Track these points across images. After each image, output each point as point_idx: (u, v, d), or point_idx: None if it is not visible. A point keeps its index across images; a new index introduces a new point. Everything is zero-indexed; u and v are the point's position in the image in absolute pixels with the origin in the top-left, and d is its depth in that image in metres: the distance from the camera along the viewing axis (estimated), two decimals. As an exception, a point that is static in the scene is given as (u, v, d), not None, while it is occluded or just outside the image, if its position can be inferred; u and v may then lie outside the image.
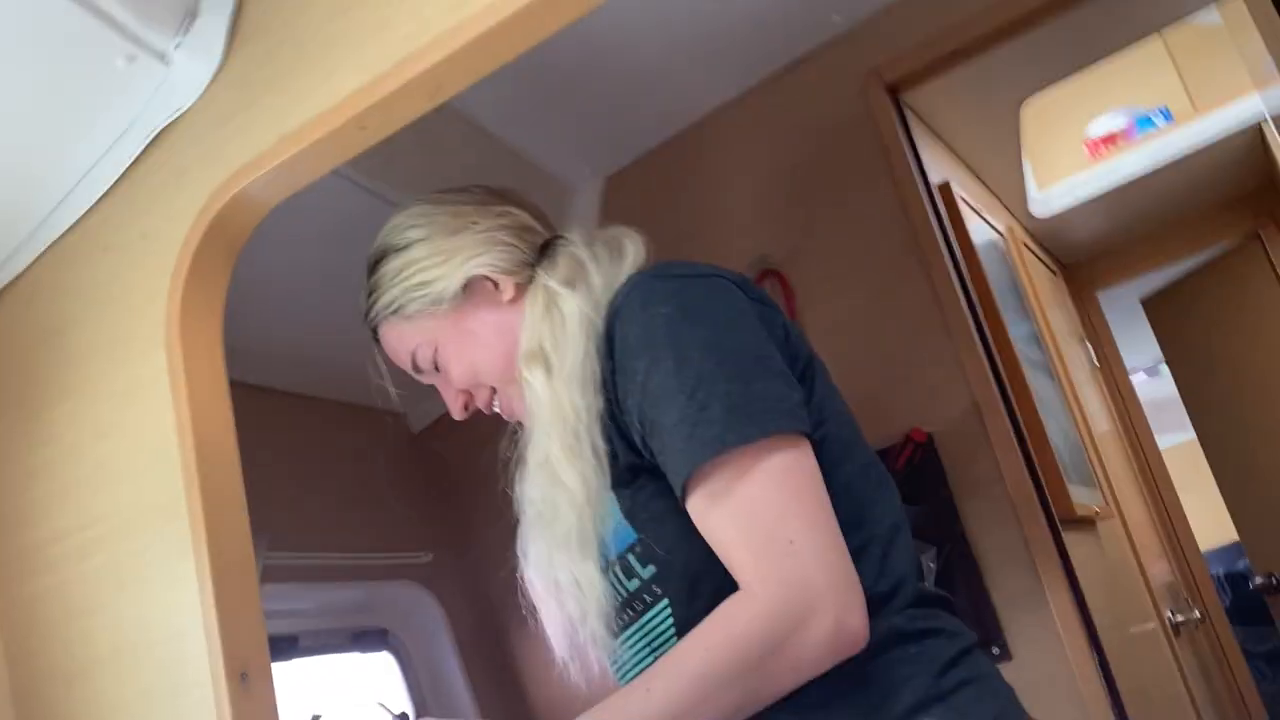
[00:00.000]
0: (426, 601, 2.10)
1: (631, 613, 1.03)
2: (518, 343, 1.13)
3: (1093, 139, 3.04)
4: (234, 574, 1.19)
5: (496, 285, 1.17)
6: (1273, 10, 1.02)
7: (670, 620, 1.00)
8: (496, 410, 1.21)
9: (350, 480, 2.05)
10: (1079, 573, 1.73)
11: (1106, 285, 3.62)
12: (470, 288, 1.16)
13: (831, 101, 1.96)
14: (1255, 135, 2.84)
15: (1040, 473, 1.80)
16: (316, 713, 1.81)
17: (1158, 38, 2.91)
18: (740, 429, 0.91)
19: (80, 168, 1.30)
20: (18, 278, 1.37)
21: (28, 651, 1.29)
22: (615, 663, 1.07)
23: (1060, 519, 1.77)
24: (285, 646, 1.78)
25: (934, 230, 1.83)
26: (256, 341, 1.72)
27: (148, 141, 1.26)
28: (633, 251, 1.14)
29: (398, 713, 2.03)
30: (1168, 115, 2.95)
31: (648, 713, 0.90)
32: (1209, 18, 2.62)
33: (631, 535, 1.01)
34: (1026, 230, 3.05)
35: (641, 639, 1.03)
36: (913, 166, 1.87)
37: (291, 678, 1.81)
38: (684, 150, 2.12)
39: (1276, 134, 2.60)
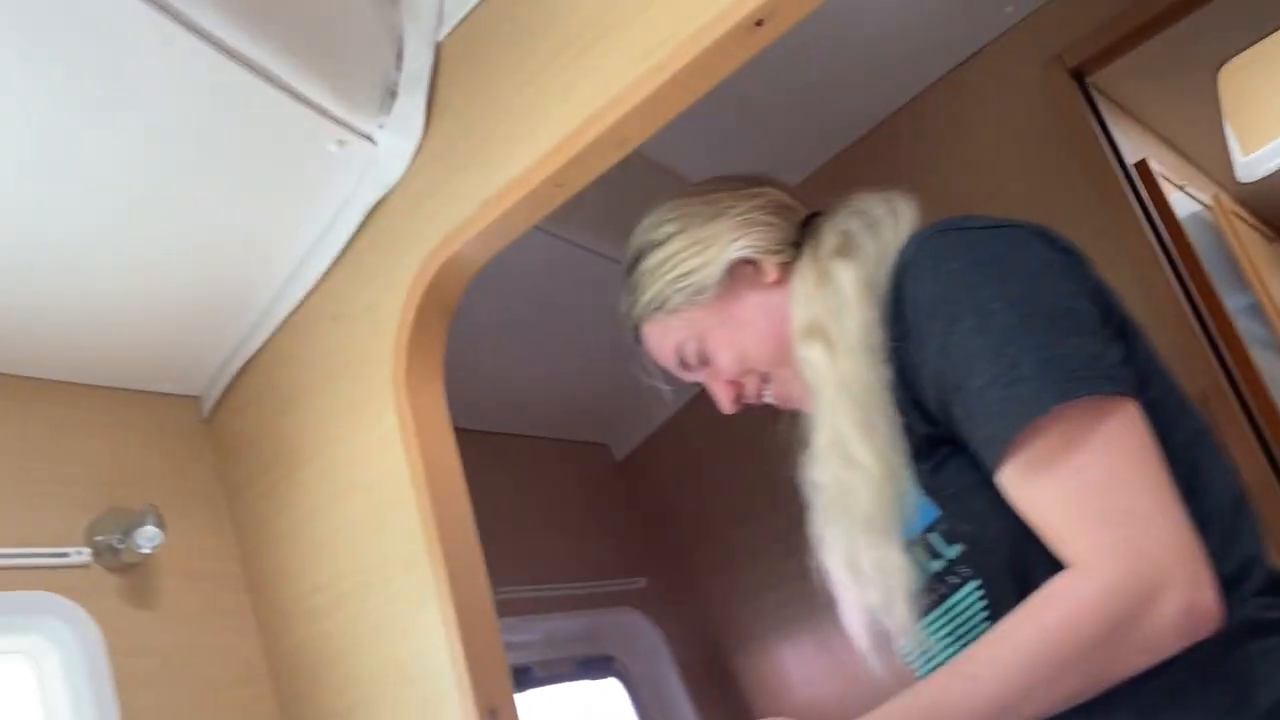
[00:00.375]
0: (645, 625, 2.15)
1: (935, 596, 0.95)
2: (787, 324, 1.08)
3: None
4: (476, 614, 1.26)
5: (758, 268, 1.12)
6: None
7: (982, 602, 0.92)
8: (768, 400, 1.16)
9: (563, 513, 2.13)
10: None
11: (1331, 246, 3.36)
12: (733, 273, 1.11)
13: (1014, 93, 1.90)
14: None
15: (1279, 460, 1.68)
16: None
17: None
18: (1059, 388, 0.82)
19: (305, 245, 1.42)
20: (257, 353, 1.49)
21: (297, 694, 1.40)
22: (919, 651, 1.00)
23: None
24: (520, 678, 1.86)
25: (1134, 211, 1.76)
26: (468, 389, 1.81)
27: (363, 216, 1.36)
28: (908, 212, 1.07)
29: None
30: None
31: (975, 702, 0.81)
32: None
33: (933, 512, 0.93)
34: (1235, 199, 2.86)
35: (946, 624, 0.95)
36: (1105, 148, 1.80)
37: (528, 708, 1.89)
38: (863, 159, 2.10)
39: None
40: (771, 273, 1.11)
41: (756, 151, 2.02)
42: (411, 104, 1.31)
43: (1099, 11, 1.81)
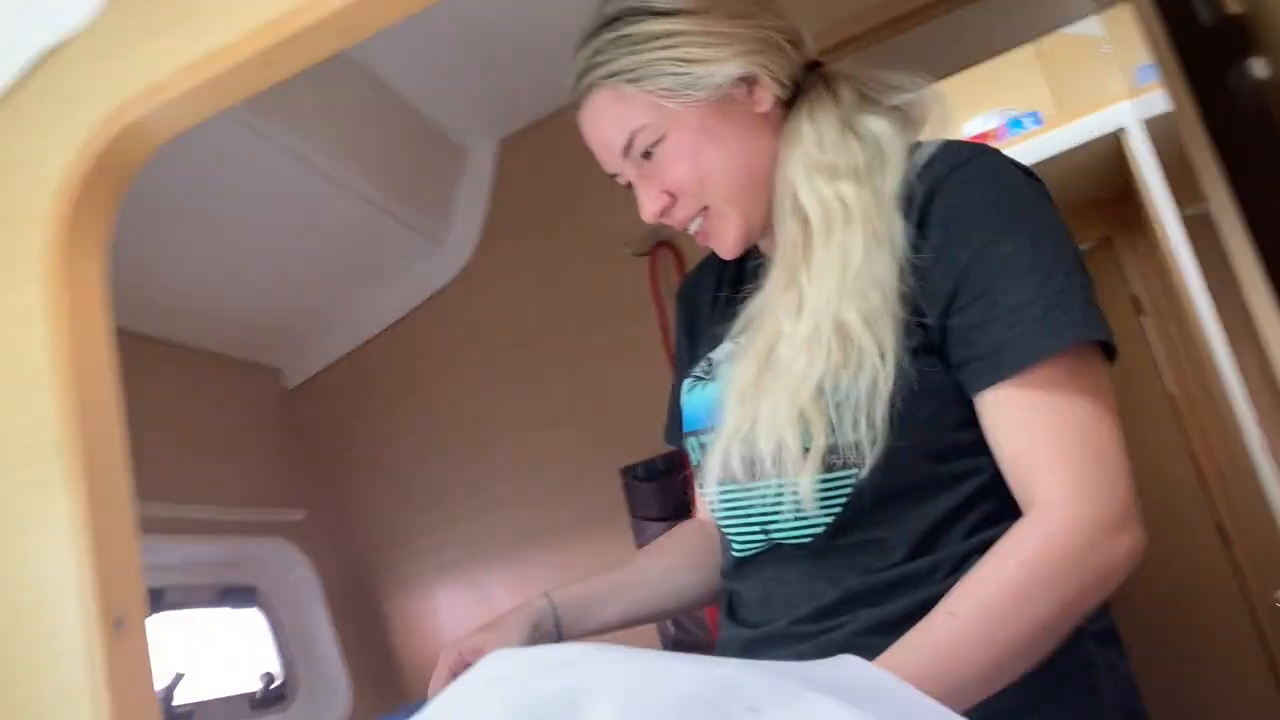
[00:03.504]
0: (296, 558, 2.06)
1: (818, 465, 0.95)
2: (764, 160, 1.05)
3: (966, 138, 3.17)
4: (113, 517, 1.15)
5: (755, 92, 1.06)
6: (1157, 22, 1.08)
7: (854, 485, 0.95)
8: (692, 229, 1.11)
9: (222, 434, 2.00)
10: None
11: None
12: (734, 84, 1.04)
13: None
14: (1114, 144, 3.01)
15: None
16: (180, 670, 1.77)
17: (1033, 45, 3.04)
18: (1095, 326, 0.90)
19: (-46, 85, 1.23)
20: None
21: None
22: (775, 496, 0.99)
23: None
24: (151, 599, 1.72)
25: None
26: (132, 286, 1.65)
27: (34, 60, 1.20)
28: (925, 97, 1.06)
29: (265, 672, 2.00)
30: (1038, 120, 3.10)
31: (952, 634, 0.83)
32: (1082, 28, 2.75)
33: None
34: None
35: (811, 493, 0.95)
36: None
37: (157, 632, 1.75)
38: (581, 118, 2.12)
39: (1135, 142, 2.76)
40: (765, 102, 1.06)
41: (484, 80, 1.98)
42: (110, -57, 1.17)
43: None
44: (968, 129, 3.19)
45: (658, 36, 1.02)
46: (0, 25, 1.19)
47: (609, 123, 1.07)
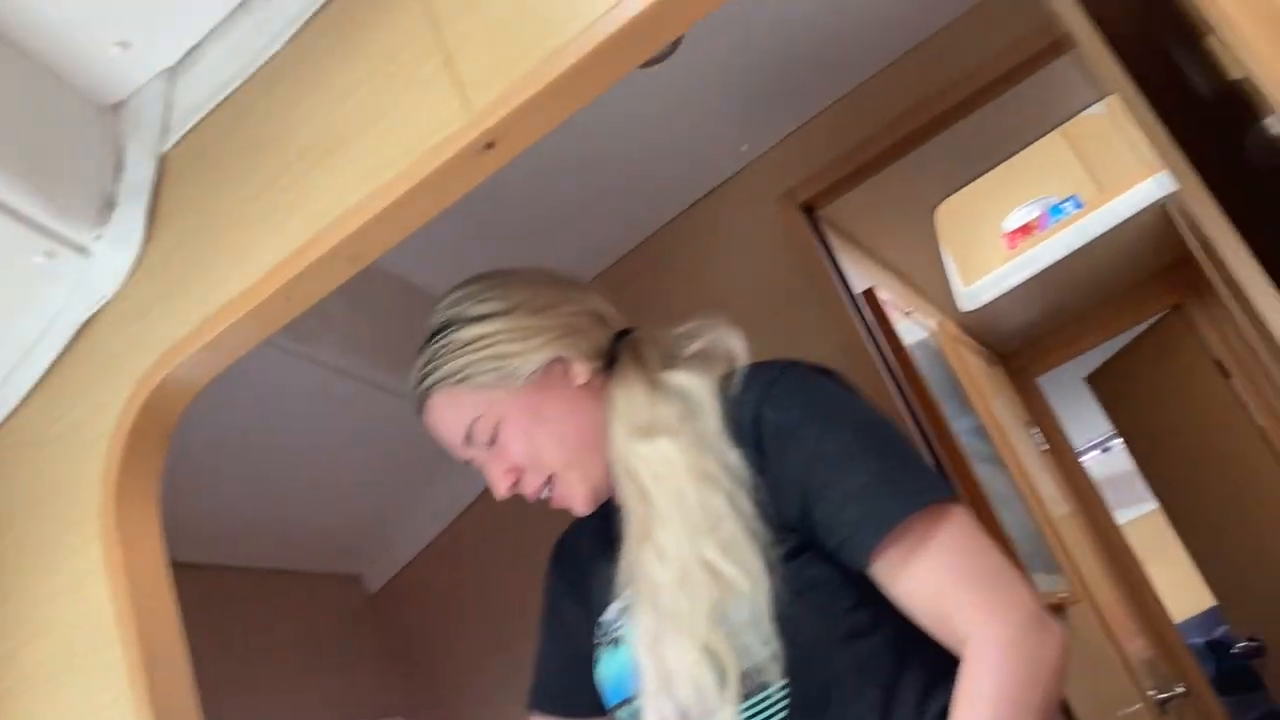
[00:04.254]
0: (399, 769, 2.03)
1: (746, 689, 1.00)
2: (592, 429, 1.14)
3: (1009, 231, 3.15)
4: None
5: (569, 369, 1.17)
6: (1146, 110, 1.07)
7: (785, 700, 0.99)
8: (544, 496, 1.18)
9: (308, 652, 2.00)
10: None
11: (1046, 369, 3.70)
12: (547, 368, 1.16)
13: (752, 224, 2.02)
14: (1162, 213, 2.96)
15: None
16: None
17: (1059, 131, 3.05)
18: (937, 488, 0.99)
19: (5, 365, 1.30)
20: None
21: None
22: None
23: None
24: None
25: (863, 337, 1.87)
26: (193, 519, 1.70)
27: (73, 334, 1.27)
28: (733, 339, 1.15)
29: None
30: (1078, 203, 3.07)
31: None
32: (1101, 108, 2.76)
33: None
34: (959, 325, 3.12)
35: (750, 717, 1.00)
36: (834, 278, 1.92)
37: None
38: (612, 284, 2.16)
39: (1178, 213, 2.71)
40: (581, 376, 1.17)
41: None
42: (131, 215, 1.25)
43: (825, 151, 1.96)
44: (1008, 223, 3.18)
45: (474, 340, 1.16)
46: (38, 305, 1.26)
47: (448, 418, 1.18)
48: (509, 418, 1.15)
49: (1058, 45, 1.73)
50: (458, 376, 1.15)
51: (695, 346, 1.16)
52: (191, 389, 1.25)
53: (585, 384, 1.17)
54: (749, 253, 2.02)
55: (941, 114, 1.87)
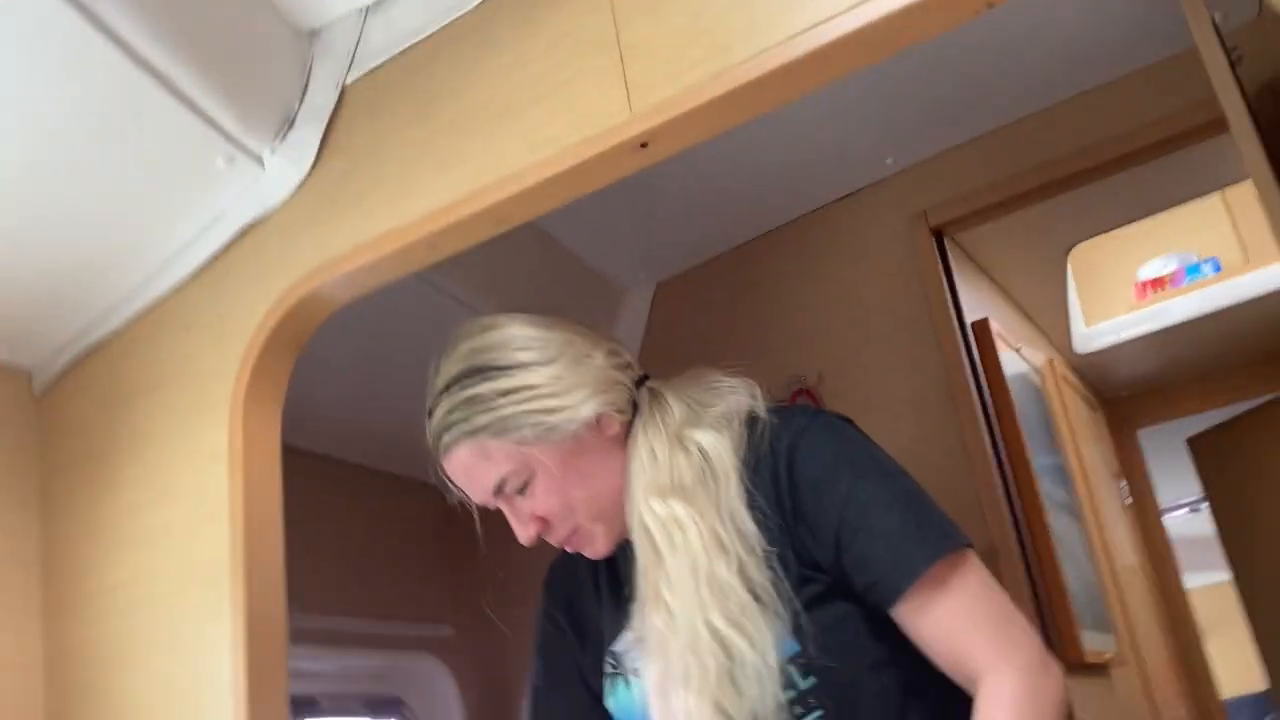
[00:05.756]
0: (443, 675, 2.16)
1: None
2: (618, 481, 1.15)
3: (1141, 281, 3.09)
4: (266, 643, 1.27)
5: (603, 423, 1.15)
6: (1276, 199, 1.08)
7: None
8: (565, 542, 1.18)
9: (384, 550, 2.13)
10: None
11: (1149, 423, 3.63)
12: (587, 423, 1.13)
13: (880, 237, 2.04)
14: (1299, 296, 2.88)
15: (1052, 618, 1.83)
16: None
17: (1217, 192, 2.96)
18: (958, 536, 1.05)
19: (172, 249, 1.42)
20: (104, 341, 1.48)
21: (66, 691, 1.38)
22: None
23: (1069, 665, 1.79)
24: (304, 708, 1.85)
25: (965, 369, 1.89)
26: (314, 409, 1.82)
27: (236, 234, 1.38)
28: (751, 391, 1.18)
29: (403, 783, 2.09)
30: (1217, 266, 2.99)
31: None
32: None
33: (794, 646, 1.05)
34: (1070, 366, 3.08)
35: None
36: (950, 307, 1.94)
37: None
38: (735, 266, 2.21)
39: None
40: (612, 428, 1.16)
41: (642, 230, 2.10)
42: (307, 136, 1.35)
43: (967, 180, 1.96)
44: (1143, 272, 3.11)
45: (516, 391, 1.11)
46: (210, 202, 1.37)
47: (478, 470, 1.14)
48: (543, 472, 1.12)
49: (1218, 124, 1.70)
50: (496, 429, 1.11)
51: (719, 408, 1.16)
52: (330, 306, 1.36)
53: (615, 436, 1.16)
54: (871, 264, 2.05)
55: (1092, 167, 1.86)
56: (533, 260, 1.98)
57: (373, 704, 2.09)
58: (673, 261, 2.25)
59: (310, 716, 1.88)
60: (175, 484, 1.36)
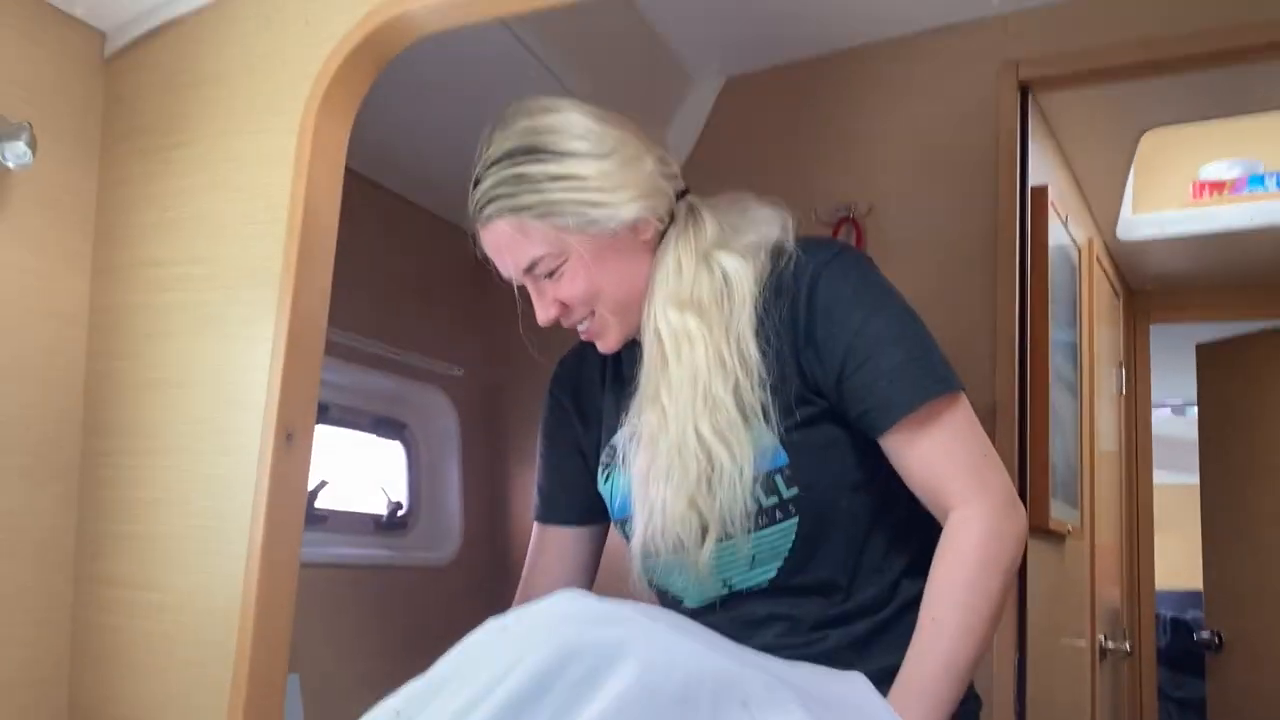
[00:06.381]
0: (447, 410, 2.26)
1: (759, 524, 1.15)
2: (642, 283, 1.20)
3: (1201, 181, 3.04)
4: (304, 342, 1.33)
5: (637, 228, 1.18)
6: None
7: (793, 538, 1.16)
8: (580, 328, 1.24)
9: (416, 283, 2.19)
10: (1030, 576, 1.87)
11: (1163, 320, 3.66)
12: (627, 224, 1.17)
13: (964, 77, 1.99)
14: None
15: (1030, 483, 1.92)
16: (325, 479, 1.99)
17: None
18: (955, 377, 1.13)
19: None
20: (183, 18, 1.46)
21: (106, 350, 1.44)
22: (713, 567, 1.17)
23: (1033, 528, 1.89)
24: (317, 411, 1.93)
25: (1013, 233, 1.90)
26: (373, 133, 1.82)
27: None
28: (781, 219, 1.22)
29: (394, 500, 2.22)
30: (1281, 182, 2.94)
31: (945, 638, 1.07)
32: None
33: (783, 458, 1.14)
34: (1107, 248, 3.07)
35: (756, 547, 1.16)
36: (1017, 166, 1.92)
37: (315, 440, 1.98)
38: (807, 77, 2.16)
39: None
40: (647, 233, 1.20)
41: (723, 17, 2.04)
42: None
43: (1070, 39, 1.90)
44: (1205, 172, 3.05)
45: (568, 177, 1.14)
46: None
47: (515, 246, 1.17)
48: (576, 260, 1.16)
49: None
50: (539, 211, 1.14)
51: (750, 237, 1.20)
52: (420, 30, 1.34)
53: (649, 240, 1.20)
54: (945, 104, 2.01)
55: (1194, 55, 1.80)
56: (617, 30, 1.94)
57: (379, 423, 2.19)
58: (745, 57, 2.18)
59: (320, 421, 1.97)
60: (234, 177, 1.38)
